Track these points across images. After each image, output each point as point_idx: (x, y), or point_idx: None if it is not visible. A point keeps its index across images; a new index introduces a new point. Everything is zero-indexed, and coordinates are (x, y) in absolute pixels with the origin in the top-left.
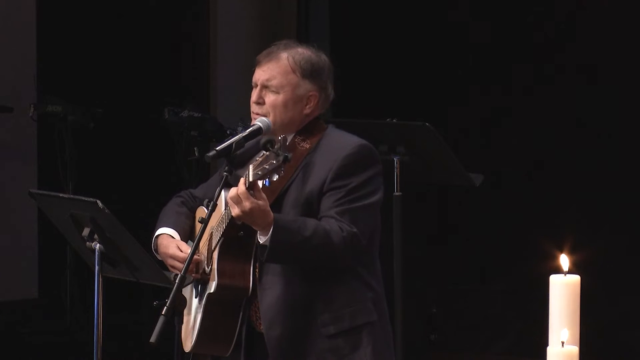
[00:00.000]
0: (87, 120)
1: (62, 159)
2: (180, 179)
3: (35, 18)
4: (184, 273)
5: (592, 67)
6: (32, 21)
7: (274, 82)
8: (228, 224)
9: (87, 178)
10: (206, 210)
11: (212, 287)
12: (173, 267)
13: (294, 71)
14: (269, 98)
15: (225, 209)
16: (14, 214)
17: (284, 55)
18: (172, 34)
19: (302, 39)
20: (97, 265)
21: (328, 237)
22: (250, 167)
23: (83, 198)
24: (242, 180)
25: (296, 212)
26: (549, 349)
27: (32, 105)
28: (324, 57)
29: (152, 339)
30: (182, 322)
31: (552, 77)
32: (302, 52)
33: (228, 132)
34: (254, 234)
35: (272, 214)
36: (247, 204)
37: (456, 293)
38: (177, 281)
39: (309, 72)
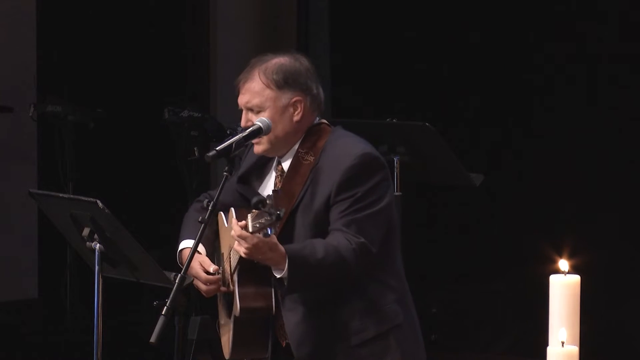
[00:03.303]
0: (87, 120)
1: (62, 159)
2: (180, 179)
3: (35, 18)
4: (183, 273)
5: (593, 68)
6: (32, 21)
7: (254, 102)
8: (241, 256)
9: (87, 178)
10: (224, 218)
11: (237, 311)
12: (197, 286)
13: (267, 86)
14: (256, 118)
15: None
16: (14, 214)
17: (256, 73)
18: (172, 34)
19: (302, 39)
20: (97, 265)
21: (339, 253)
22: (249, 217)
23: (83, 198)
24: (235, 222)
25: (308, 231)
26: (549, 349)
27: (32, 105)
28: (300, 61)
29: (152, 339)
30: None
31: (552, 78)
32: (273, 63)
33: (228, 132)
34: None
35: (281, 246)
36: (249, 244)
37: (456, 293)
38: (177, 281)
39: (282, 81)
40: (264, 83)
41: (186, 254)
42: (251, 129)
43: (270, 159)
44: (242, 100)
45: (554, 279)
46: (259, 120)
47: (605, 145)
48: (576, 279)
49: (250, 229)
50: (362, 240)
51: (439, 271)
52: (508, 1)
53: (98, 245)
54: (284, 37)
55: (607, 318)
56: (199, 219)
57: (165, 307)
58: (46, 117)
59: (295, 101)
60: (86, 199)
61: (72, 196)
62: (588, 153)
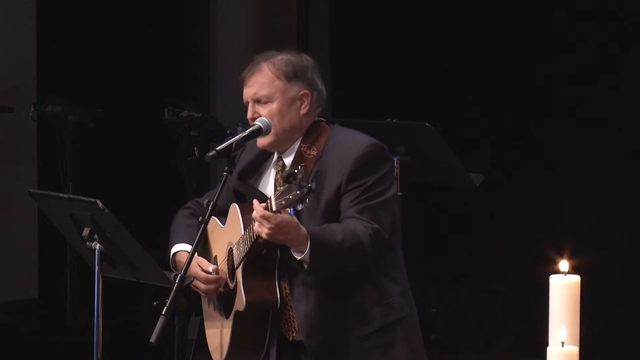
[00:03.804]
0: (87, 120)
1: (62, 159)
2: (180, 179)
3: (35, 18)
4: (183, 273)
5: (592, 67)
6: (32, 21)
7: (263, 92)
8: (252, 245)
9: (87, 178)
10: (217, 220)
11: (242, 305)
12: (196, 287)
13: (278, 77)
14: (264, 110)
15: (245, 230)
16: (14, 214)
17: (264, 65)
18: (172, 34)
19: (302, 39)
20: (97, 265)
21: (357, 237)
22: (272, 197)
23: (83, 198)
24: (256, 203)
25: (317, 221)
26: (549, 349)
27: (32, 105)
28: (306, 57)
29: (152, 339)
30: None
31: (552, 78)
32: (281, 58)
33: (228, 132)
34: (276, 249)
35: (304, 228)
36: (273, 223)
37: (456, 293)
38: (177, 281)
39: (292, 73)
40: (273, 74)
41: (180, 256)
42: (251, 129)
43: (268, 157)
44: (250, 92)
45: (554, 279)
46: (259, 120)
47: (605, 145)
48: (576, 279)
49: (275, 207)
50: (377, 226)
51: (439, 271)
52: (508, 1)
53: (98, 245)
54: (284, 37)
55: (607, 318)
56: (199, 219)
57: (165, 307)
58: (46, 117)
59: (302, 95)
60: (86, 199)
61: (72, 196)
62: (588, 153)
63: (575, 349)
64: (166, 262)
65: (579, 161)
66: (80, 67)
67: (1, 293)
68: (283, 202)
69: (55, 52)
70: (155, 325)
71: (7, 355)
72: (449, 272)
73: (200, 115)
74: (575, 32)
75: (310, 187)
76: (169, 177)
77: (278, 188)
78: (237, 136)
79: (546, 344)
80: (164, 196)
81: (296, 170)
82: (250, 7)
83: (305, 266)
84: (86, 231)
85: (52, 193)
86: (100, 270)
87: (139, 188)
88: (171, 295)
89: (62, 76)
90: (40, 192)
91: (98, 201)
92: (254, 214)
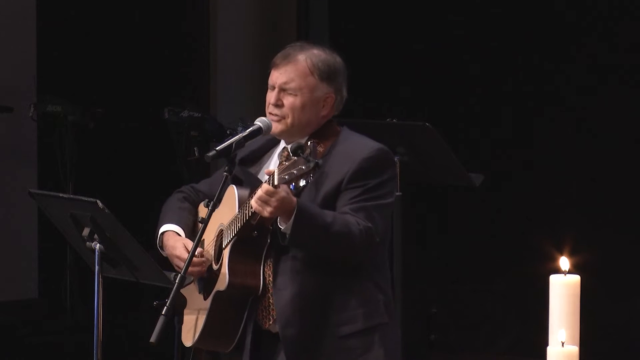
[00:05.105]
0: (87, 120)
1: (62, 159)
2: (180, 179)
3: (35, 18)
4: (184, 273)
5: (591, 67)
6: (32, 21)
7: (293, 84)
8: (244, 225)
9: (87, 178)
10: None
11: (224, 285)
12: (179, 267)
13: (312, 73)
14: (287, 100)
15: (239, 210)
16: (14, 214)
17: (302, 57)
18: (172, 34)
19: (302, 39)
20: (97, 265)
21: (347, 226)
22: (275, 170)
23: (83, 198)
24: (265, 184)
25: None
26: (549, 349)
27: (32, 105)
28: (339, 59)
29: (152, 339)
30: (182, 322)
31: (551, 77)
32: (318, 54)
33: (228, 132)
34: (266, 234)
35: (294, 198)
36: (274, 202)
37: (456, 293)
38: (177, 281)
39: (326, 74)
40: (309, 69)
41: (167, 236)
42: (251, 129)
43: (272, 148)
44: (280, 79)
45: (554, 279)
46: (259, 120)
47: (606, 144)
48: (576, 278)
49: (276, 181)
50: (370, 225)
51: (439, 271)
52: (509, 2)
53: (98, 245)
54: (284, 37)
55: (607, 318)
56: (199, 220)
57: (165, 307)
58: (46, 117)
59: (327, 97)
60: (86, 199)
61: (72, 196)
62: (588, 153)
63: (575, 349)
64: (166, 262)
65: (579, 161)
66: (80, 67)
67: (1, 293)
68: (286, 176)
69: (55, 52)
70: (155, 325)
71: (7, 355)
72: (449, 272)
73: (200, 115)
74: (576, 32)
75: (317, 162)
76: (168, 177)
77: (284, 163)
78: (237, 136)
79: (546, 344)
80: (163, 196)
81: (309, 143)
82: (250, 7)
83: (287, 236)
84: (86, 231)
85: (52, 193)
86: (100, 270)
87: (139, 188)
88: (171, 295)
89: (62, 76)
90: (40, 192)
91: (98, 201)
92: (258, 191)
